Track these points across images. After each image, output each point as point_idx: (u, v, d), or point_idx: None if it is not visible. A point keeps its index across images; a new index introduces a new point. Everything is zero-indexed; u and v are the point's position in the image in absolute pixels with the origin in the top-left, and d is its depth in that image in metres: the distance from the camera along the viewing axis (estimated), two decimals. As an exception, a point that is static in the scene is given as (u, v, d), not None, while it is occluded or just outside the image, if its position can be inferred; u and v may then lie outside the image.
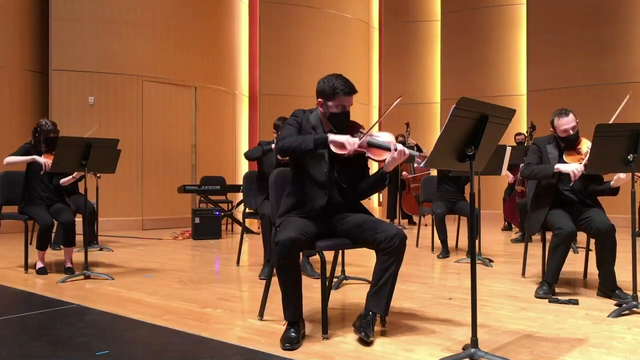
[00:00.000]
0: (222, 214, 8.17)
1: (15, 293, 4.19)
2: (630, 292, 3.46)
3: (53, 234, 5.85)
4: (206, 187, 8.34)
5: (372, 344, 2.76)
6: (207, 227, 7.72)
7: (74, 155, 4.53)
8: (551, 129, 4.11)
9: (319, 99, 3.03)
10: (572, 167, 3.84)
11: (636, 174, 3.51)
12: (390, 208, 10.24)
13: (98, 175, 6.63)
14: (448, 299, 3.85)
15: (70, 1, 8.78)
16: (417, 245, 6.73)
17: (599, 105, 9.72)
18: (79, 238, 5.62)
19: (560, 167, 3.90)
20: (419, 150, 9.33)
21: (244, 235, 5.76)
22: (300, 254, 2.98)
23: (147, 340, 2.92)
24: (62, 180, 5.07)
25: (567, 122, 3.97)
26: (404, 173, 9.61)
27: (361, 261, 5.47)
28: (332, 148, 2.85)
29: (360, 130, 3.04)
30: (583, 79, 10.36)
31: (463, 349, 2.59)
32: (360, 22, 12.95)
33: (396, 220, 9.73)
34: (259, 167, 5.19)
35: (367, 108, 13.18)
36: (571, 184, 3.88)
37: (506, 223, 9.07)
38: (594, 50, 10.34)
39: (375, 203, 13.83)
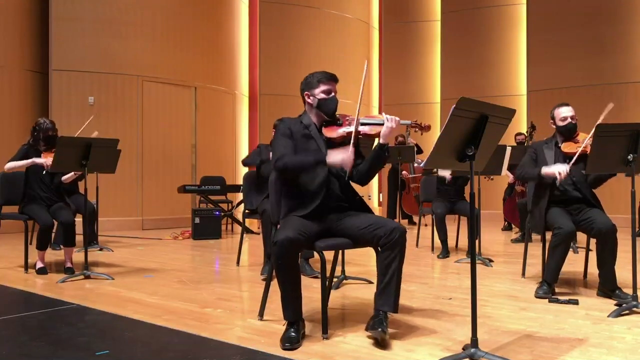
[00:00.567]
0: (222, 214, 8.17)
1: (15, 293, 4.19)
2: (630, 292, 3.46)
3: (53, 234, 5.86)
4: (206, 187, 8.35)
5: (389, 343, 2.74)
6: (207, 227, 7.71)
7: (74, 155, 4.53)
8: (551, 121, 4.13)
9: (306, 93, 3.14)
10: (556, 168, 3.83)
11: None
12: (390, 208, 10.26)
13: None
14: (448, 299, 3.85)
15: (70, 1, 8.78)
16: (417, 245, 6.73)
17: (599, 105, 9.51)
18: (79, 238, 5.61)
19: (544, 169, 3.89)
20: (419, 150, 9.34)
21: (244, 235, 5.77)
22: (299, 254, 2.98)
23: (147, 340, 2.92)
24: (63, 177, 5.07)
25: (566, 111, 4.06)
26: (404, 173, 9.59)
27: (361, 261, 5.48)
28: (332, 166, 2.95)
29: (347, 117, 3.12)
30: (583, 79, 10.36)
31: (463, 349, 2.59)
32: (360, 22, 12.94)
33: (396, 220, 9.71)
34: (258, 170, 5.24)
35: (367, 108, 13.18)
36: (558, 184, 3.87)
37: (506, 223, 9.07)
38: (594, 50, 10.34)
39: (375, 203, 13.82)
